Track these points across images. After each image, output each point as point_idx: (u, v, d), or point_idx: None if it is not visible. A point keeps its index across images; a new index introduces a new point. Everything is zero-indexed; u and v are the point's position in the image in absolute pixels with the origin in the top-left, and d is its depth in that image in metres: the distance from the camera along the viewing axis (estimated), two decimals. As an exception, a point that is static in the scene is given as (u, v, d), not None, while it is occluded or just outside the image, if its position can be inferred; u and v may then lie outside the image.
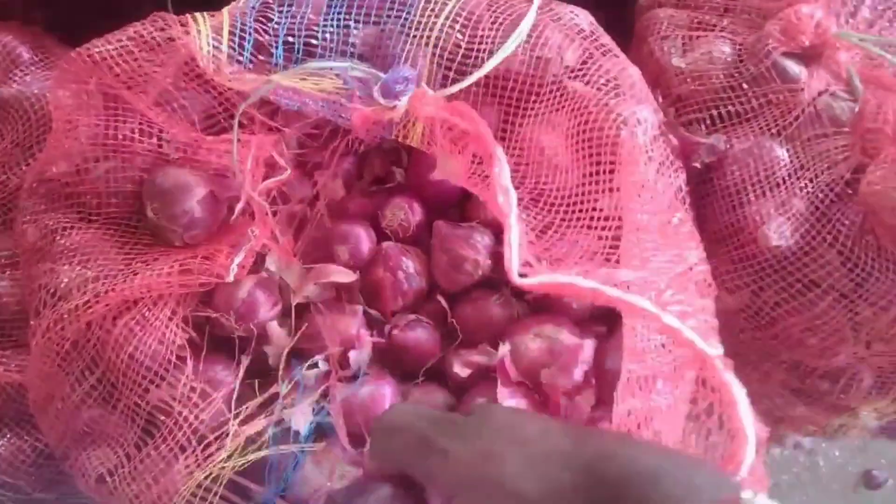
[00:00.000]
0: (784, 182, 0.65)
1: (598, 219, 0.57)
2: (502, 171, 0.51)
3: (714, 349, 0.49)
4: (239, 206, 0.59)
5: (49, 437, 0.58)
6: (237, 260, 0.57)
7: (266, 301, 0.59)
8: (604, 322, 0.63)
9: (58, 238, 0.58)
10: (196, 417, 0.53)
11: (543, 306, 0.63)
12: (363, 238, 0.63)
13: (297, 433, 0.56)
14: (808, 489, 1.22)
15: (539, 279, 0.48)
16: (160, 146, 0.59)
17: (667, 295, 0.51)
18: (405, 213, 0.64)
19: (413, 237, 0.66)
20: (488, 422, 0.44)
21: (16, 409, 0.65)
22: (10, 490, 0.65)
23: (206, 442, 0.53)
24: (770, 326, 0.67)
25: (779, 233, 0.64)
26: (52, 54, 0.72)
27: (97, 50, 0.56)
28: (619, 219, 0.56)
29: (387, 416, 0.47)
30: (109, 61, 0.56)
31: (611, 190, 0.57)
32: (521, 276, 0.48)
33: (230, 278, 0.56)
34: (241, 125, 0.59)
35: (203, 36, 0.57)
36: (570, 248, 0.55)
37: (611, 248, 0.54)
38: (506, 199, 0.51)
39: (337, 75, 0.56)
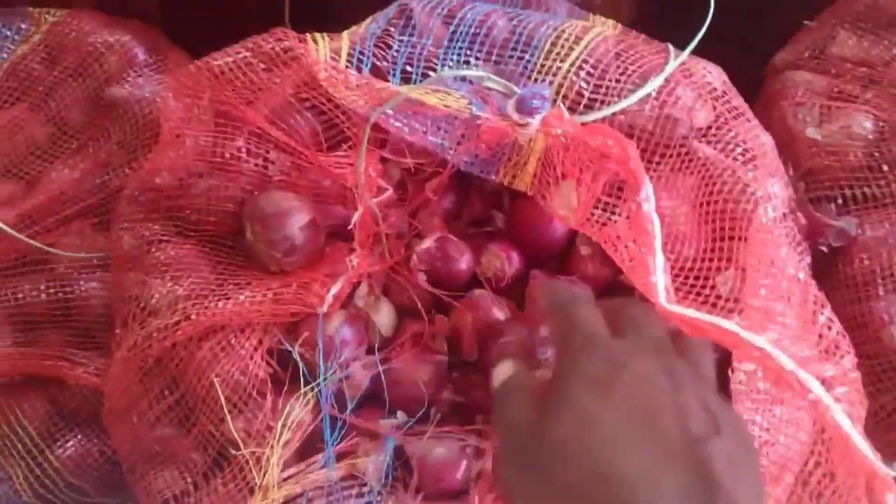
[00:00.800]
0: (919, 279, 0.59)
1: (714, 296, 0.53)
2: (650, 197, 0.48)
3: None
4: (356, 216, 0.57)
5: (119, 450, 0.57)
6: (333, 290, 0.55)
7: (353, 339, 0.57)
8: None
9: (153, 250, 0.57)
10: (267, 459, 0.51)
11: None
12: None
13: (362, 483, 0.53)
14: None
15: (684, 310, 0.45)
16: (266, 168, 0.58)
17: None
18: (502, 261, 0.61)
19: (507, 288, 0.63)
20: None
21: (89, 411, 0.65)
22: (73, 491, 0.64)
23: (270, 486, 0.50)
24: (886, 433, 0.61)
25: (907, 334, 0.58)
26: (168, 58, 0.72)
27: (217, 63, 0.55)
28: (736, 301, 0.52)
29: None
30: (229, 74, 0.55)
31: (733, 268, 0.53)
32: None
33: (324, 309, 0.54)
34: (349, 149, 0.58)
35: (322, 54, 0.55)
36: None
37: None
38: (651, 226, 0.47)
39: (463, 96, 0.54)
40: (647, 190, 0.48)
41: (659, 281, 0.46)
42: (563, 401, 0.37)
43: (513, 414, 0.40)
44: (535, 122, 0.52)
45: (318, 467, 0.53)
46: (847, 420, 0.45)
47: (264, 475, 0.51)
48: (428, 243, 0.61)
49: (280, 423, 0.53)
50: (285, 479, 0.52)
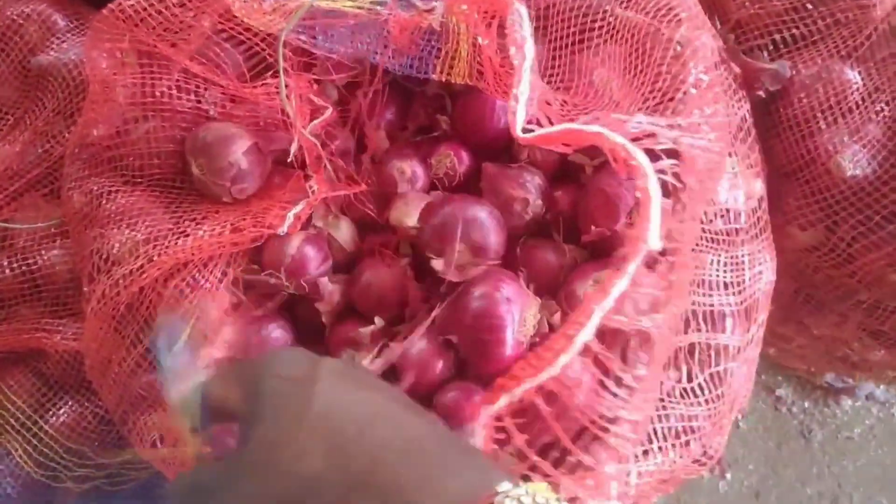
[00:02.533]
0: (857, 107, 0.61)
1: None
2: (520, 21, 0.48)
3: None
4: (294, 147, 0.57)
5: (107, 402, 0.58)
6: (295, 210, 0.56)
7: (316, 256, 0.58)
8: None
9: (104, 202, 0.58)
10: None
11: (603, 251, 0.60)
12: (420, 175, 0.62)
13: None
14: (882, 442, 1.18)
15: (541, 131, 0.46)
16: (199, 103, 0.58)
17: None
18: (451, 160, 0.62)
19: (462, 186, 0.64)
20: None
21: (75, 376, 0.66)
22: (74, 455, 0.66)
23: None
24: (847, 264, 0.63)
25: (854, 162, 0.60)
26: (88, 21, 0.71)
27: (130, 4, 0.55)
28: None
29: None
30: (143, 14, 0.55)
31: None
32: (526, 132, 0.46)
33: (284, 229, 0.55)
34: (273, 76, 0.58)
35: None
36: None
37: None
38: (518, 51, 0.48)
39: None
40: (520, 15, 0.48)
41: (519, 109, 0.46)
42: None
43: None
44: (438, 2, 0.53)
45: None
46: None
47: None
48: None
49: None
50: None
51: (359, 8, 0.53)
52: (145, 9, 0.55)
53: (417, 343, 0.56)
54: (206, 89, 0.59)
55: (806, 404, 1.06)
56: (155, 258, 0.55)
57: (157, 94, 0.57)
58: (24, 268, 0.65)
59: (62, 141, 0.67)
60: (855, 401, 1.19)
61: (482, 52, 0.54)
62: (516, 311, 0.53)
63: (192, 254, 0.56)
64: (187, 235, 0.56)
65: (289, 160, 0.59)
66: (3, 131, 0.69)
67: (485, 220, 0.56)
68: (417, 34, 0.55)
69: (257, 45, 0.58)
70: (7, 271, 0.66)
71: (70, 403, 0.66)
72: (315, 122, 0.60)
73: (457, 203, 0.57)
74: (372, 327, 0.57)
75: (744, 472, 0.95)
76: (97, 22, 0.56)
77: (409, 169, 0.62)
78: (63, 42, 0.69)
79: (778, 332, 0.84)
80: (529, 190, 0.60)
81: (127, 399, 0.58)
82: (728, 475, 0.93)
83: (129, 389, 0.57)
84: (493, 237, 0.56)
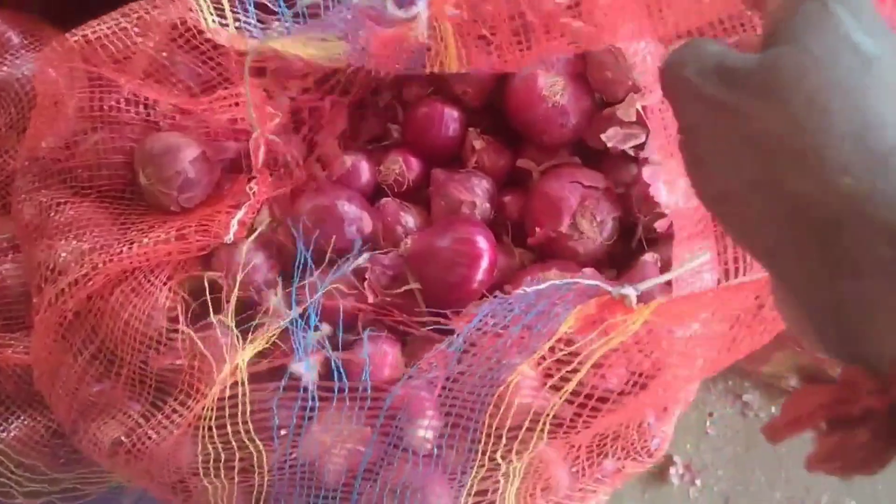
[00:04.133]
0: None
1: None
2: None
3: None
4: (258, 155, 0.58)
5: (57, 413, 0.58)
6: (237, 216, 0.56)
7: (264, 263, 0.58)
8: (614, 266, 0.61)
9: (52, 214, 0.58)
10: (199, 381, 0.52)
11: (549, 253, 0.61)
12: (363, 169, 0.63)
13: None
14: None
15: None
16: (148, 115, 0.59)
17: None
18: (400, 166, 0.63)
19: (412, 193, 0.65)
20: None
21: (27, 390, 0.65)
22: (27, 471, 0.65)
23: (207, 403, 0.52)
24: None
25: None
26: (42, 37, 0.72)
27: (76, 38, 0.56)
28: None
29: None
30: (91, 44, 0.56)
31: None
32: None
33: (230, 237, 0.56)
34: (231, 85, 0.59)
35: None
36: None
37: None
38: None
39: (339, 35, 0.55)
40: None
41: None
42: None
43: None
44: (421, 8, 0.53)
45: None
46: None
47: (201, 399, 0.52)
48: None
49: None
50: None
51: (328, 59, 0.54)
52: (91, 41, 0.56)
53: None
54: (155, 102, 0.60)
55: (773, 409, 1.07)
56: (100, 266, 0.55)
57: (106, 107, 0.58)
58: (-26, 282, 0.65)
59: (14, 156, 0.67)
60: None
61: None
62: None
63: (139, 261, 0.56)
64: (133, 244, 0.56)
65: (243, 157, 0.60)
66: (-45, 147, 0.69)
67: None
68: (400, 49, 0.56)
69: (206, 59, 0.59)
70: (-42, 286, 0.65)
71: (22, 418, 0.66)
72: (268, 125, 0.61)
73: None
74: (318, 333, 0.57)
75: (713, 477, 0.95)
76: (54, 44, 0.57)
77: (351, 161, 0.63)
78: (17, 58, 0.70)
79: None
80: (477, 193, 0.61)
81: (76, 407, 0.58)
82: (698, 481, 0.94)
83: (78, 398, 0.57)
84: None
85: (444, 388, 0.53)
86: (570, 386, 0.49)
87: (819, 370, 0.84)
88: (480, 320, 0.50)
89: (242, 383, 0.50)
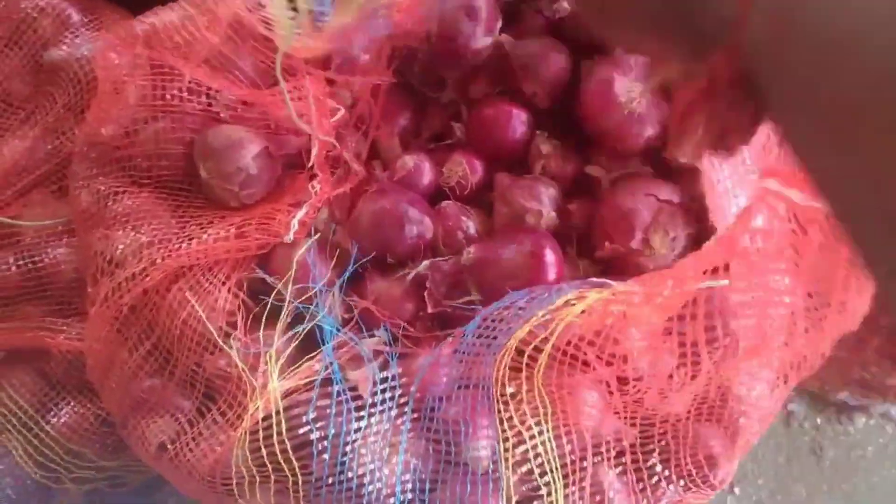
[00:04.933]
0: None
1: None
2: None
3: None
4: (314, 153, 0.57)
5: (109, 405, 0.58)
6: (298, 216, 0.55)
7: (321, 264, 0.57)
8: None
9: (110, 203, 0.58)
10: (252, 386, 0.51)
11: (616, 268, 0.59)
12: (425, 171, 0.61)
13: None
14: (896, 461, 1.16)
15: None
16: (210, 105, 0.58)
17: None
18: (463, 168, 0.61)
19: (474, 197, 0.63)
20: None
21: (77, 377, 0.65)
22: (74, 457, 0.65)
23: (256, 411, 0.51)
24: (868, 288, 0.61)
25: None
26: (103, 15, 0.71)
27: (142, 27, 0.55)
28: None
29: None
30: (171, 29, 0.55)
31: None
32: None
33: (290, 237, 0.55)
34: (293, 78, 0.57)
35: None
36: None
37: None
38: None
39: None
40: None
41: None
42: None
43: None
44: None
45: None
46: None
47: (263, 384, 0.51)
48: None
49: (275, 345, 0.53)
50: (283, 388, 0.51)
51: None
52: (158, 29, 0.55)
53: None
54: (217, 92, 0.58)
55: (818, 420, 1.04)
56: (158, 261, 0.54)
57: (168, 96, 0.57)
58: (29, 265, 0.65)
59: (71, 138, 0.67)
60: (869, 418, 1.17)
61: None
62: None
63: (197, 258, 0.55)
64: (192, 239, 0.55)
65: (309, 155, 0.58)
66: (14, 126, 0.69)
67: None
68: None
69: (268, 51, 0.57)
70: (13, 268, 0.66)
71: (72, 404, 0.66)
72: (330, 120, 0.59)
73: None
74: (375, 339, 0.56)
75: (752, 486, 0.94)
76: (111, 33, 0.55)
77: (413, 162, 0.61)
78: (76, 37, 0.69)
79: (795, 352, 0.82)
80: (543, 201, 0.59)
81: (128, 403, 0.57)
82: (736, 490, 0.92)
83: (131, 393, 0.57)
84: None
85: (461, 361, 0.53)
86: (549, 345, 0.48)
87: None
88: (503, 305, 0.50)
89: (277, 412, 0.49)
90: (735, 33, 0.28)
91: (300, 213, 0.56)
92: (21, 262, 0.66)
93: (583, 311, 0.48)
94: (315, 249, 0.58)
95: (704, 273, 0.48)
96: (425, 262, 0.57)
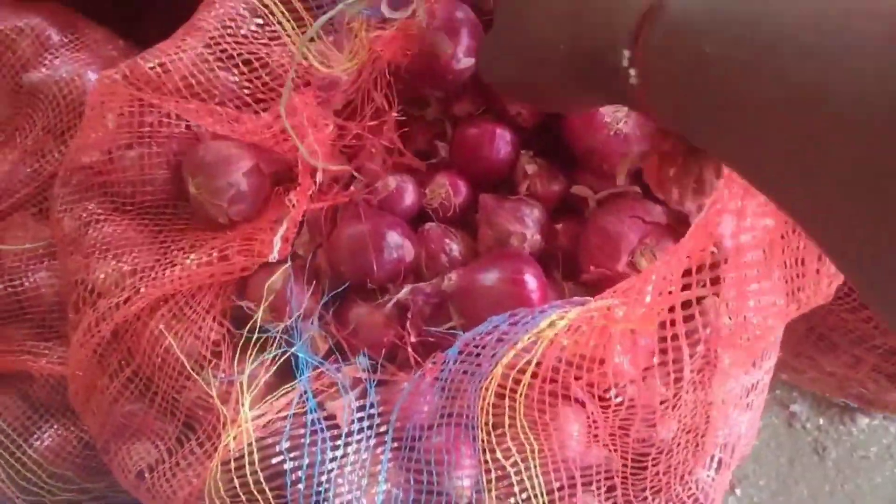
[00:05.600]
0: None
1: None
2: None
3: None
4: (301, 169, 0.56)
5: (91, 431, 0.58)
6: (280, 233, 0.55)
7: (300, 290, 0.56)
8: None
9: (90, 231, 0.57)
10: (225, 416, 0.51)
11: (598, 290, 0.58)
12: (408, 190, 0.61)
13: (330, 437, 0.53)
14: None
15: None
16: (198, 126, 0.57)
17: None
18: (447, 190, 0.61)
19: (459, 218, 0.62)
20: None
21: (60, 400, 0.66)
22: (57, 480, 0.66)
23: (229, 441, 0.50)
24: (862, 309, 0.61)
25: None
26: (83, 35, 0.71)
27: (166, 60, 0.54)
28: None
29: None
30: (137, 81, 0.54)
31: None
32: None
33: (275, 255, 0.54)
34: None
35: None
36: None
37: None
38: None
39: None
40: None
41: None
42: None
43: None
44: (418, 5, 0.54)
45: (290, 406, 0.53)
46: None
47: (235, 410, 0.51)
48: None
49: (246, 375, 0.52)
50: (257, 418, 0.51)
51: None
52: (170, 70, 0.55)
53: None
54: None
55: (821, 421, 1.04)
56: (142, 290, 0.54)
57: (153, 122, 0.56)
58: (9, 289, 0.66)
59: (52, 160, 0.67)
60: (872, 419, 1.17)
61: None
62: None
63: (180, 284, 0.55)
64: (175, 265, 0.55)
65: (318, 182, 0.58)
66: (-6, 149, 0.68)
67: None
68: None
69: (252, 69, 0.57)
70: (-7, 292, 0.65)
71: (55, 427, 0.66)
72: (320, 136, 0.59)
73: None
74: (353, 366, 0.56)
75: (754, 487, 0.93)
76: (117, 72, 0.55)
77: (396, 182, 0.60)
78: (56, 58, 0.69)
79: (790, 364, 0.82)
80: (527, 224, 0.58)
81: (109, 428, 0.57)
82: (738, 491, 0.92)
83: (112, 418, 0.57)
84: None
85: (443, 388, 0.53)
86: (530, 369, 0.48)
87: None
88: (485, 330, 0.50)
89: (250, 443, 0.49)
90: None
91: (281, 230, 0.55)
92: (0, 286, 0.66)
93: (567, 330, 0.48)
94: (293, 275, 0.58)
95: (684, 275, 0.48)
96: (406, 288, 0.56)
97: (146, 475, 0.54)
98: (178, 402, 0.55)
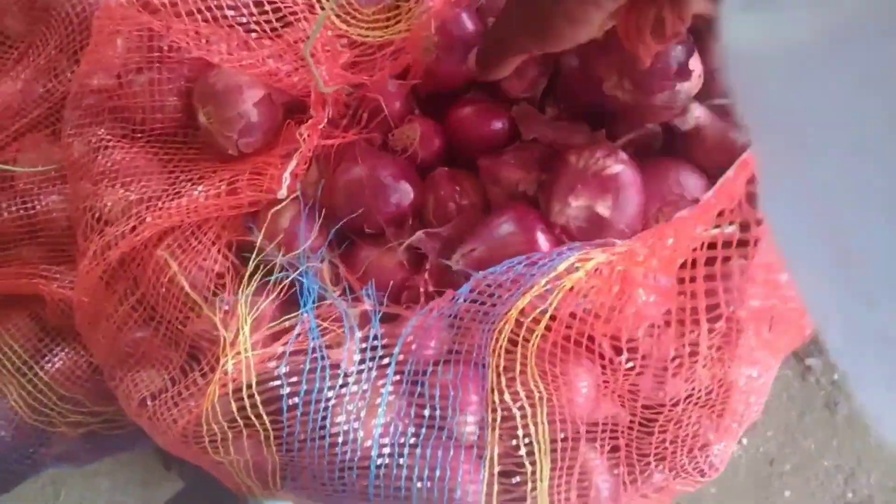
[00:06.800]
0: None
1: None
2: None
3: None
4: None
5: (97, 358, 0.59)
6: (289, 168, 0.54)
7: (307, 229, 0.56)
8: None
9: (99, 157, 0.57)
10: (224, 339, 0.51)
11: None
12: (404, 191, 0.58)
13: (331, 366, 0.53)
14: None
15: None
16: (209, 51, 0.56)
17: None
18: (416, 139, 0.59)
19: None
20: None
21: (71, 324, 0.66)
22: (67, 403, 0.67)
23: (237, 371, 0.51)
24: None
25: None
26: (99, -51, 0.69)
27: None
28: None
29: None
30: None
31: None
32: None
33: (283, 192, 0.54)
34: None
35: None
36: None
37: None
38: None
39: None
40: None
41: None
42: None
43: None
44: None
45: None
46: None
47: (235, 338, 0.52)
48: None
49: (247, 295, 0.53)
50: (257, 344, 0.52)
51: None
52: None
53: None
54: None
55: (835, 377, 1.02)
56: (148, 219, 0.54)
57: (164, 47, 0.55)
58: (21, 211, 0.66)
59: (64, 81, 0.66)
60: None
61: None
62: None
63: (187, 215, 0.55)
64: (182, 196, 0.55)
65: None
66: (8, 66, 0.68)
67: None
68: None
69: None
70: (5, 213, 0.66)
71: (66, 350, 0.68)
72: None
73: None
74: (361, 307, 0.55)
75: (761, 438, 0.94)
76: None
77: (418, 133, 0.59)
78: (68, -25, 0.67)
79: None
80: (531, 168, 0.57)
81: (114, 355, 0.59)
82: (744, 440, 0.92)
83: (117, 345, 0.58)
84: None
85: (452, 325, 0.53)
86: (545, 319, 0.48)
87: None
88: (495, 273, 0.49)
89: (247, 362, 0.49)
90: None
91: (291, 166, 0.55)
92: (13, 208, 0.66)
93: (588, 276, 0.47)
94: (303, 210, 0.57)
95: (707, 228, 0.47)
96: (419, 234, 0.55)
97: (148, 403, 0.55)
98: (182, 333, 0.56)
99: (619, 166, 0.52)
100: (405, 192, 0.57)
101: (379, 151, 0.59)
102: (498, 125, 0.59)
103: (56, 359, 0.67)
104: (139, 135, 0.59)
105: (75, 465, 0.74)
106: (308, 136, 0.55)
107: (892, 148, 0.17)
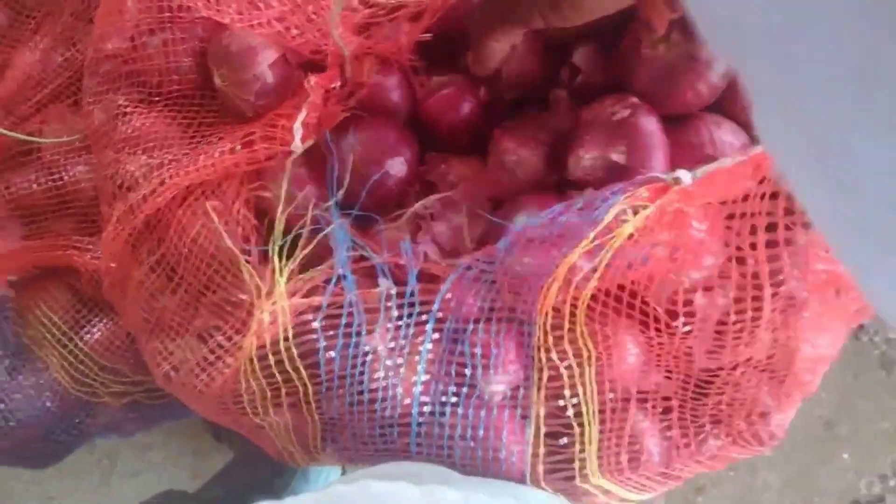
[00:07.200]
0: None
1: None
2: None
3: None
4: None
5: (126, 324, 0.59)
6: (300, 118, 0.53)
7: (315, 180, 0.54)
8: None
9: (119, 125, 0.56)
10: (259, 289, 0.50)
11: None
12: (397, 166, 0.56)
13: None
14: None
15: None
16: (219, 10, 0.54)
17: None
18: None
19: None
20: None
21: (106, 294, 0.66)
22: (108, 373, 0.68)
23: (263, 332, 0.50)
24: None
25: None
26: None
27: None
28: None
29: None
30: None
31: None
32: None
33: (297, 143, 0.52)
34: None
35: None
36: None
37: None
38: None
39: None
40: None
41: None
42: None
43: None
44: None
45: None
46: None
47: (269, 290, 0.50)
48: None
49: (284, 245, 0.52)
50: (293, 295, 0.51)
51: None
52: None
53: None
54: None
55: (890, 335, 0.98)
56: (167, 180, 0.53)
57: (175, 6, 0.53)
58: (49, 182, 0.66)
59: (82, 49, 0.65)
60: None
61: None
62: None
63: (207, 174, 0.54)
64: (201, 156, 0.54)
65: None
66: (26, 36, 0.67)
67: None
68: None
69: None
70: (35, 186, 0.66)
71: (104, 321, 0.68)
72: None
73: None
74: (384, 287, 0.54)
75: (815, 400, 0.91)
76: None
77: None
78: (83, -62, 0.66)
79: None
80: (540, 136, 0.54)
81: (141, 323, 0.59)
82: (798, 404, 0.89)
83: (143, 313, 0.58)
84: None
85: (493, 282, 0.51)
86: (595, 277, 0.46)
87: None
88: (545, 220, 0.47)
89: (283, 312, 0.48)
90: None
91: (301, 116, 0.53)
92: (42, 180, 0.66)
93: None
94: (331, 161, 0.55)
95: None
96: (432, 197, 0.54)
97: (175, 371, 0.55)
98: (206, 297, 0.55)
99: (626, 111, 0.49)
100: (398, 167, 0.55)
101: (385, 117, 0.57)
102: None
103: (94, 329, 0.68)
104: (157, 98, 0.58)
105: (122, 434, 0.75)
106: (315, 83, 0.54)
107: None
